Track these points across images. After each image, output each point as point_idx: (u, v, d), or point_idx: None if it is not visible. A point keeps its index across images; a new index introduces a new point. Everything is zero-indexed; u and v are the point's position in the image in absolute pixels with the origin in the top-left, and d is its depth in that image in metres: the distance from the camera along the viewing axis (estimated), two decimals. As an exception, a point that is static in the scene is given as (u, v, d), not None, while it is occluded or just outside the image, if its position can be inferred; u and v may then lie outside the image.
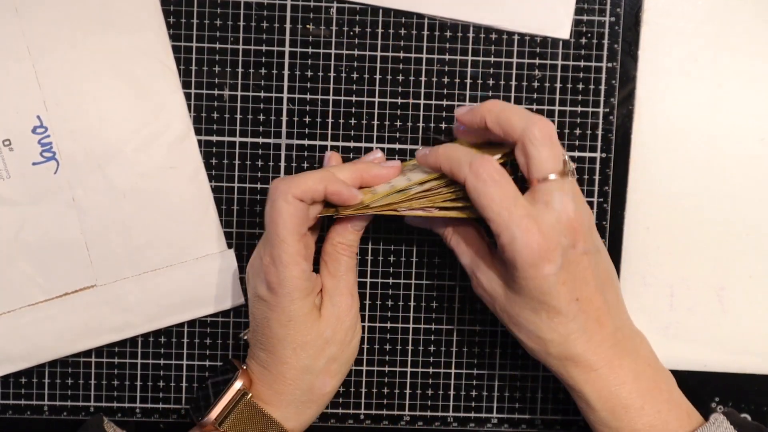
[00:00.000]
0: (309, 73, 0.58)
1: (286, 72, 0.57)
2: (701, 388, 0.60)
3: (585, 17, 0.58)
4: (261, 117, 0.58)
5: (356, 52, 0.58)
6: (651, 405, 0.50)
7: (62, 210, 0.55)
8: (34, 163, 0.55)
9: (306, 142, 0.58)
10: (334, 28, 0.57)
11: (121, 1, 0.55)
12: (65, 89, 0.55)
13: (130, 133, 0.56)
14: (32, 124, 0.55)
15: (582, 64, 0.58)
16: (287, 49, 0.57)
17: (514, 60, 0.58)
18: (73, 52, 0.55)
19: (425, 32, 0.58)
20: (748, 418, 0.60)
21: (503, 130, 0.50)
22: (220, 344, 0.59)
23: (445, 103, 0.58)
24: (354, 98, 0.58)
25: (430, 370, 0.60)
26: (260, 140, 0.58)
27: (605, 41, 0.58)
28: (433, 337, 0.60)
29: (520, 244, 0.46)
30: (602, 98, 0.58)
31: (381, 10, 0.57)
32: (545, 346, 0.50)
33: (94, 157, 0.55)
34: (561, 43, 0.58)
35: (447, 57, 0.58)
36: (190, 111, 0.57)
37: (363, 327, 0.59)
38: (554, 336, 0.49)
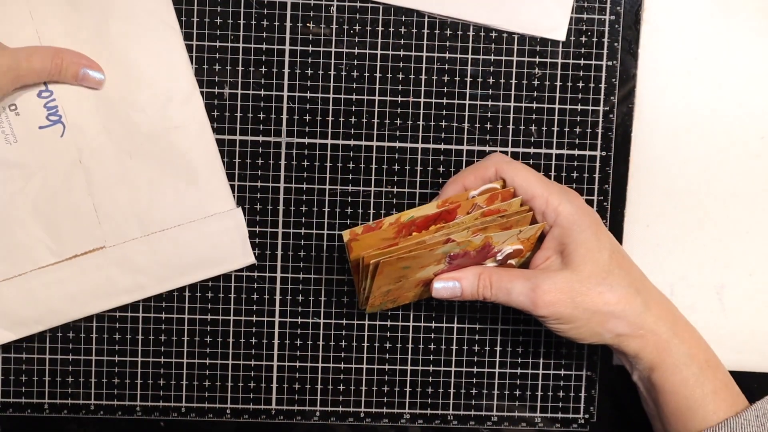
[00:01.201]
0: (309, 72, 0.58)
1: (286, 70, 0.58)
2: (701, 386, 0.60)
3: (585, 15, 0.58)
4: (261, 115, 0.58)
5: (356, 51, 0.58)
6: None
7: (70, 172, 0.55)
8: (40, 127, 0.55)
9: (306, 140, 0.58)
10: (334, 26, 0.57)
11: None
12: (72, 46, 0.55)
13: (135, 94, 0.55)
14: (37, 88, 0.55)
15: (582, 62, 0.58)
16: (287, 47, 0.57)
17: (514, 58, 0.58)
18: (75, 15, 0.55)
19: (425, 31, 0.58)
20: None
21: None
22: (220, 342, 0.59)
23: (445, 101, 0.58)
24: (354, 96, 0.58)
25: (430, 368, 0.60)
26: (260, 138, 0.58)
27: (605, 40, 0.58)
28: (433, 336, 0.60)
29: (578, 204, 0.50)
30: (602, 97, 0.59)
31: (381, 9, 0.57)
32: (634, 301, 0.50)
33: (100, 119, 0.55)
34: (561, 42, 0.58)
35: (447, 55, 0.58)
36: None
37: (363, 325, 0.59)
38: (630, 283, 0.51)
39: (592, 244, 0.50)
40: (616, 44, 0.58)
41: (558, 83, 0.58)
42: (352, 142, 0.58)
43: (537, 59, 0.58)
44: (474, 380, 0.60)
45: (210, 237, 0.57)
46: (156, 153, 0.56)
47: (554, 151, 0.59)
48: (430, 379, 0.60)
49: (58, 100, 0.55)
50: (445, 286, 0.51)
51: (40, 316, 0.56)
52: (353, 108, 0.58)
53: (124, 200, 0.56)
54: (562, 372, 0.60)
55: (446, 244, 0.48)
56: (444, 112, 0.58)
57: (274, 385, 0.59)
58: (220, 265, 0.57)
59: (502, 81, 0.58)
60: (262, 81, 0.58)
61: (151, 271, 0.57)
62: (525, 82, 0.58)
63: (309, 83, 0.58)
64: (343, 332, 0.59)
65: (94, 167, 0.56)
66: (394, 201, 0.59)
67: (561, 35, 0.58)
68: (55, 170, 0.55)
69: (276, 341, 0.59)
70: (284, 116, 0.58)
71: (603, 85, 0.59)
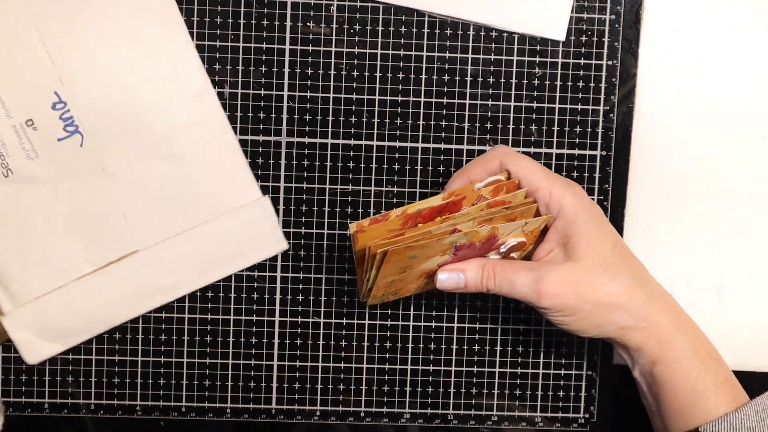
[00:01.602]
0: (309, 71, 0.58)
1: (286, 70, 0.58)
2: (701, 385, 0.60)
3: (585, 15, 0.58)
4: (261, 115, 0.58)
5: (356, 50, 0.58)
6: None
7: (94, 181, 0.55)
8: (59, 139, 0.55)
9: (306, 139, 0.58)
10: (334, 26, 0.57)
11: None
12: (78, 61, 0.55)
13: (149, 95, 0.55)
14: (51, 101, 0.55)
15: (582, 62, 0.58)
16: (287, 47, 0.57)
17: (515, 58, 0.58)
18: (79, 22, 0.55)
19: (425, 30, 0.58)
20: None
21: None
22: (220, 342, 0.59)
23: (445, 101, 0.58)
24: (354, 96, 0.58)
25: (431, 367, 0.60)
26: (261, 138, 0.58)
27: (605, 39, 0.58)
28: (433, 335, 0.60)
29: (581, 196, 0.50)
30: (602, 96, 0.59)
31: (381, 9, 0.57)
32: (637, 292, 0.50)
33: (117, 124, 0.55)
34: (560, 41, 0.58)
35: (447, 55, 0.58)
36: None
37: (363, 325, 0.59)
38: (633, 274, 0.51)
39: (594, 236, 0.50)
40: (616, 44, 0.58)
41: (558, 83, 0.58)
42: (352, 142, 0.58)
43: (537, 59, 0.58)
44: (474, 380, 0.60)
45: (241, 228, 0.57)
46: (177, 152, 0.56)
47: (554, 151, 0.59)
48: (430, 378, 0.60)
49: (73, 110, 0.55)
50: (449, 277, 0.51)
51: (85, 324, 0.57)
52: (353, 107, 0.58)
53: (151, 203, 0.56)
54: (562, 372, 0.60)
55: (453, 234, 0.48)
56: (444, 112, 0.58)
57: (274, 385, 0.59)
58: (254, 254, 0.58)
59: (503, 80, 0.58)
60: (262, 81, 0.58)
61: (187, 268, 0.57)
62: (525, 81, 0.58)
63: (309, 83, 0.58)
64: (343, 332, 0.59)
65: (118, 173, 0.56)
66: (395, 200, 0.59)
67: (561, 35, 0.58)
68: (80, 180, 0.55)
69: (276, 341, 0.59)
70: (284, 116, 0.58)
71: (603, 85, 0.58)
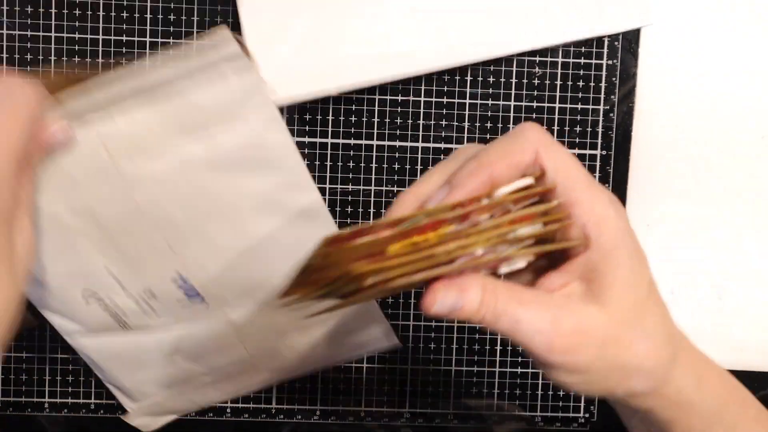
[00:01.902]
0: (309, 71, 0.58)
1: (286, 69, 0.57)
2: (701, 385, 0.60)
3: (585, 15, 0.58)
4: (261, 114, 0.58)
5: (356, 50, 0.58)
6: None
7: (219, 328, 0.54)
8: (180, 301, 0.52)
9: (306, 139, 0.58)
10: (334, 25, 0.57)
11: (253, 152, 0.50)
12: (201, 248, 0.51)
13: (278, 263, 0.52)
14: (171, 277, 0.52)
15: (582, 61, 0.58)
16: (287, 46, 0.57)
17: (514, 58, 0.58)
18: (197, 213, 0.50)
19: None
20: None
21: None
22: (220, 342, 0.59)
23: (445, 100, 0.58)
24: (354, 95, 0.58)
25: (431, 368, 0.60)
26: (260, 138, 0.58)
27: (605, 38, 0.58)
28: (433, 335, 0.60)
29: (624, 219, 0.38)
30: (602, 95, 0.58)
31: (381, 8, 0.57)
32: (665, 352, 0.38)
33: (242, 290, 0.53)
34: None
35: (447, 54, 0.58)
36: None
37: (363, 324, 0.59)
38: (664, 320, 0.39)
39: (634, 276, 0.37)
40: (616, 43, 0.58)
41: (558, 82, 0.58)
42: (352, 141, 0.58)
43: (537, 58, 0.58)
44: (474, 380, 0.60)
45: (359, 346, 0.58)
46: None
47: (554, 151, 0.59)
48: (430, 378, 0.60)
49: (195, 284, 0.52)
50: (448, 298, 0.36)
51: (196, 403, 0.59)
52: (353, 107, 0.58)
53: (277, 343, 0.56)
54: (562, 371, 0.60)
55: (462, 259, 0.35)
56: (444, 112, 0.58)
57: (274, 385, 0.59)
58: (365, 350, 0.59)
59: (503, 80, 0.58)
60: (262, 80, 0.57)
61: (303, 363, 0.58)
62: (525, 81, 0.58)
63: (309, 82, 0.58)
64: (343, 332, 0.59)
65: (242, 324, 0.54)
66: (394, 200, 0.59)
67: (651, 19, 0.56)
68: (202, 327, 0.54)
69: (276, 341, 0.59)
70: (284, 115, 0.58)
71: (603, 84, 0.58)
